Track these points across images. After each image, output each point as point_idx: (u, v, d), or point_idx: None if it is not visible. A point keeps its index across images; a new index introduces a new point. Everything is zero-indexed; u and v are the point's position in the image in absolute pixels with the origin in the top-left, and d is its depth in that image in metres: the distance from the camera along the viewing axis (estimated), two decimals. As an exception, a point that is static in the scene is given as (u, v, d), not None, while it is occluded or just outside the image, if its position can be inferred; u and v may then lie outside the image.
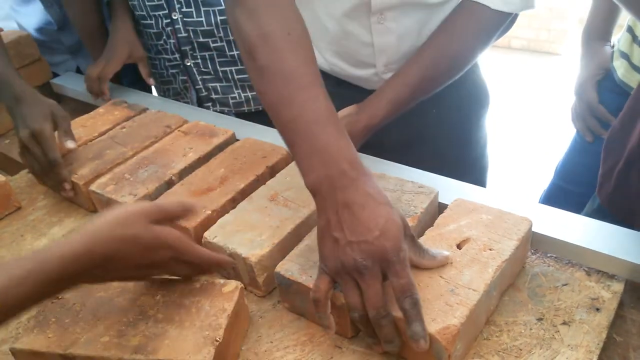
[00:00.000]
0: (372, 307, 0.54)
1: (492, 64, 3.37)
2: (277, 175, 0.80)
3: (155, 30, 1.20)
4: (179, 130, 0.96)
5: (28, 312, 0.69)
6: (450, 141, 1.03)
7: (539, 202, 1.26)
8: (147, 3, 1.16)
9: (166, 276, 0.68)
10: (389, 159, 0.87)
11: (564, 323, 0.59)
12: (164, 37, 1.20)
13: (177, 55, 1.22)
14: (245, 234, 0.69)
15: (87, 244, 0.52)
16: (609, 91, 1.08)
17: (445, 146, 1.02)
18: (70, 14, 1.26)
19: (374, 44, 0.90)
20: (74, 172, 0.88)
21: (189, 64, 1.22)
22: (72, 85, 1.28)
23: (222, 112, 1.25)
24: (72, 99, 1.29)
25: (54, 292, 0.52)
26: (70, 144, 0.91)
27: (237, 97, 1.26)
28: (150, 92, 1.35)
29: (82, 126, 1.03)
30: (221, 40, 1.19)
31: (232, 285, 0.62)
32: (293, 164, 0.80)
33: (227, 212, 0.74)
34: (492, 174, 1.16)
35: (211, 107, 1.26)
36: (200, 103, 1.27)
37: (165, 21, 1.17)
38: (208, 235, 0.70)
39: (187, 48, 1.20)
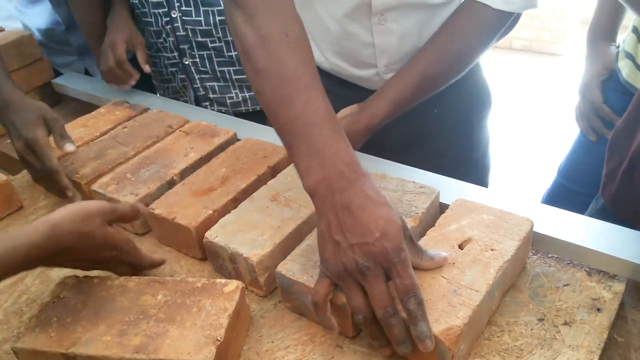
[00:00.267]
0: (379, 307, 0.54)
1: (493, 65, 3.36)
2: (279, 175, 0.80)
3: (155, 28, 1.21)
4: (180, 130, 0.97)
5: (30, 311, 0.70)
6: (452, 141, 1.03)
7: (542, 201, 1.26)
8: (148, 0, 1.16)
9: (167, 276, 0.69)
10: (390, 158, 0.87)
11: (565, 323, 0.59)
12: (164, 35, 1.20)
13: (175, 54, 1.22)
14: (247, 233, 0.69)
15: (50, 236, 0.58)
16: (614, 91, 1.08)
17: (447, 146, 1.02)
18: (76, 14, 1.26)
19: (375, 44, 0.90)
20: (76, 172, 0.89)
21: (187, 62, 1.22)
22: (74, 85, 1.28)
23: (219, 111, 1.25)
24: (73, 99, 1.29)
25: (17, 272, 0.58)
26: (69, 147, 0.86)
27: (235, 97, 1.26)
28: (152, 91, 1.35)
29: (84, 126, 1.03)
30: (220, 41, 1.19)
31: (234, 285, 0.62)
32: (294, 164, 0.80)
33: (229, 212, 0.74)
34: (494, 174, 1.16)
35: (208, 107, 1.27)
36: (198, 102, 1.27)
37: (164, 19, 1.18)
38: (209, 235, 0.70)
39: (186, 47, 1.20)
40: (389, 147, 0.94)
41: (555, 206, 0.72)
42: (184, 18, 1.16)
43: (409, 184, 0.74)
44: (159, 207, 0.77)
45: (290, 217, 0.71)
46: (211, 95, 1.26)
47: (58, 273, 0.76)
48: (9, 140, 1.16)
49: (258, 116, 1.13)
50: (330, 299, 0.57)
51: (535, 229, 0.67)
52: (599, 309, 0.61)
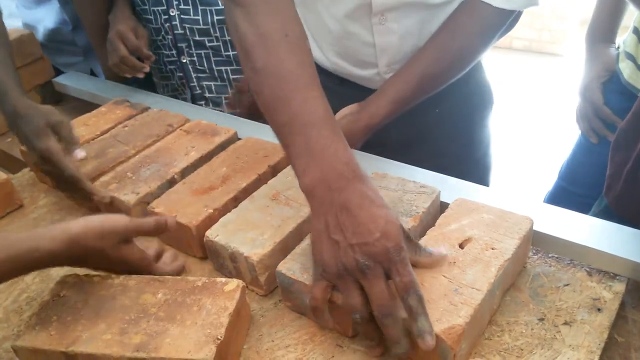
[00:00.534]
0: (377, 306, 0.54)
1: (493, 65, 3.36)
2: (279, 174, 0.80)
3: (154, 26, 1.21)
4: (181, 129, 0.97)
5: (30, 310, 0.70)
6: (453, 141, 1.03)
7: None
8: None
9: (167, 275, 0.69)
10: (391, 158, 0.86)
11: (566, 323, 0.59)
12: (162, 33, 1.21)
13: (174, 52, 1.23)
14: (247, 233, 0.69)
15: (68, 247, 0.60)
16: (615, 93, 1.08)
17: (448, 146, 1.02)
18: (80, 12, 1.26)
19: (375, 44, 0.90)
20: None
21: (184, 60, 1.22)
22: (74, 84, 1.28)
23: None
24: (74, 98, 1.29)
25: (28, 272, 0.63)
26: (79, 154, 0.86)
27: None
28: (152, 88, 1.35)
29: (84, 125, 1.03)
30: (217, 40, 1.19)
31: (234, 284, 0.62)
32: (295, 163, 0.80)
33: (229, 211, 0.74)
34: (495, 174, 1.16)
35: (204, 106, 1.26)
36: (194, 101, 1.28)
37: (163, 17, 1.18)
38: (210, 234, 0.70)
39: (184, 45, 1.20)
40: (390, 147, 0.94)
41: (557, 208, 0.72)
42: (182, 16, 1.17)
43: (409, 183, 0.74)
44: (159, 206, 0.77)
45: (290, 216, 0.71)
46: (207, 95, 1.26)
47: (58, 272, 0.76)
48: (9, 139, 1.16)
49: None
50: (327, 300, 0.57)
51: (535, 228, 0.67)
52: (599, 309, 0.61)
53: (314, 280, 0.58)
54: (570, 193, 1.21)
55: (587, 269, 0.66)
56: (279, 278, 0.64)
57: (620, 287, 0.63)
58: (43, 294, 0.72)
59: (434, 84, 0.87)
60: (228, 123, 0.98)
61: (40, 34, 1.34)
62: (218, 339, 0.56)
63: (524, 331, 0.59)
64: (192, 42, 1.20)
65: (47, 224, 0.87)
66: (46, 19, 1.33)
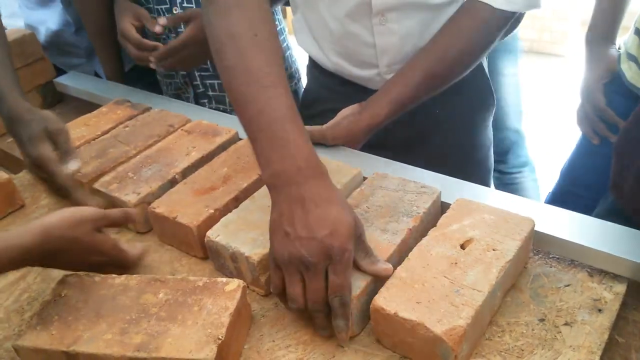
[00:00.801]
0: (311, 300, 0.58)
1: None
2: (280, 174, 0.80)
3: None
4: (182, 130, 0.97)
5: (31, 310, 0.70)
6: (455, 142, 1.03)
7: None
8: None
9: (168, 275, 0.69)
10: (393, 158, 0.86)
11: (566, 324, 0.59)
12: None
13: None
14: (248, 233, 0.69)
15: (42, 239, 0.61)
16: (616, 94, 1.07)
17: (450, 147, 1.02)
18: (81, 12, 1.26)
19: (376, 45, 0.90)
20: (78, 171, 0.88)
21: None
22: (75, 84, 1.28)
23: (217, 109, 1.25)
24: (75, 98, 1.29)
25: (5, 271, 0.64)
26: (72, 166, 0.84)
27: None
28: (156, 87, 1.35)
29: (85, 125, 1.03)
30: None
31: (235, 284, 0.62)
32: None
33: (230, 211, 0.74)
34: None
35: (207, 105, 1.26)
36: (197, 99, 1.27)
37: (167, 15, 1.18)
38: (211, 234, 0.70)
39: None
40: (391, 147, 0.94)
41: (558, 210, 0.72)
42: None
43: (410, 183, 0.74)
44: (160, 206, 0.77)
45: (291, 217, 0.71)
46: (210, 93, 1.26)
47: (59, 271, 0.76)
48: (10, 139, 1.16)
49: None
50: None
51: (536, 229, 0.66)
52: (600, 310, 0.61)
53: (270, 268, 0.61)
54: (572, 194, 1.20)
55: (588, 270, 0.66)
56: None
57: (621, 287, 0.63)
58: (44, 293, 0.72)
59: (435, 85, 0.87)
60: (229, 123, 0.98)
61: (42, 35, 1.33)
62: (219, 339, 0.56)
63: (524, 332, 0.59)
64: None
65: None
66: (49, 20, 1.32)
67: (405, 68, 0.87)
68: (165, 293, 0.63)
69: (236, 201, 0.77)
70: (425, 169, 0.83)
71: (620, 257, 0.63)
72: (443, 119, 0.99)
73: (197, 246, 0.74)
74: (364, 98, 0.89)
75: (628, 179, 0.80)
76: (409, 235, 0.67)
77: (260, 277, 0.67)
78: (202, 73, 1.24)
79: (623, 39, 1.07)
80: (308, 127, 0.74)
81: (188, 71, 1.23)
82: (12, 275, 0.77)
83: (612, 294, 0.62)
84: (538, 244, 0.69)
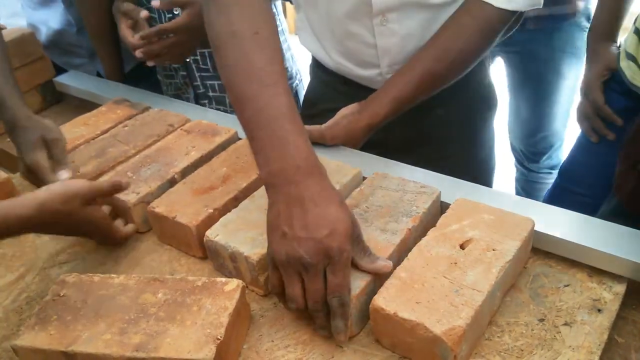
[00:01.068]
0: (310, 301, 0.58)
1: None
2: (279, 174, 0.80)
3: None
4: (181, 129, 0.96)
5: (30, 309, 0.70)
6: (456, 142, 1.03)
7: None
8: None
9: (167, 275, 0.69)
10: (393, 158, 0.86)
11: (566, 324, 0.59)
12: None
13: None
14: (247, 232, 0.69)
15: (37, 213, 0.65)
16: (616, 92, 1.07)
17: (451, 147, 1.02)
18: (82, 12, 1.25)
19: (377, 45, 0.90)
20: (77, 170, 0.88)
21: (188, 60, 1.22)
22: (75, 83, 1.28)
23: (217, 110, 1.25)
24: (74, 97, 1.29)
25: (6, 238, 0.69)
26: (63, 175, 0.83)
27: None
28: (157, 86, 1.34)
29: (85, 124, 1.03)
30: None
31: (234, 283, 0.62)
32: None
33: (229, 210, 0.74)
34: (498, 175, 1.16)
35: (207, 105, 1.26)
36: (197, 100, 1.27)
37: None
38: (210, 233, 0.70)
39: None
40: (391, 147, 0.93)
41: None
42: None
43: (410, 183, 0.74)
44: (159, 206, 0.77)
45: (290, 216, 0.71)
46: (210, 94, 1.26)
47: (58, 271, 0.76)
48: (9, 139, 1.16)
49: None
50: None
51: (536, 229, 0.66)
52: (599, 310, 0.60)
53: (269, 269, 0.61)
54: (570, 192, 1.20)
55: (588, 270, 0.66)
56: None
57: (620, 288, 0.63)
58: (43, 293, 0.72)
59: (435, 84, 0.87)
60: (228, 123, 0.98)
61: (44, 35, 1.33)
62: (218, 338, 0.56)
63: (524, 332, 0.59)
64: None
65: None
66: (51, 20, 1.32)
67: (405, 67, 0.87)
68: (164, 293, 0.63)
69: (235, 201, 0.77)
70: (426, 168, 0.83)
71: (619, 257, 0.63)
72: (444, 118, 0.99)
73: (196, 246, 0.74)
74: (366, 97, 0.89)
75: (631, 179, 0.80)
76: (408, 235, 0.67)
77: (259, 277, 0.67)
78: (203, 74, 1.24)
79: (624, 37, 1.07)
80: (307, 127, 0.74)
81: (174, 63, 1.21)
82: (11, 275, 0.77)
83: (611, 294, 0.62)
84: (538, 244, 0.69)
